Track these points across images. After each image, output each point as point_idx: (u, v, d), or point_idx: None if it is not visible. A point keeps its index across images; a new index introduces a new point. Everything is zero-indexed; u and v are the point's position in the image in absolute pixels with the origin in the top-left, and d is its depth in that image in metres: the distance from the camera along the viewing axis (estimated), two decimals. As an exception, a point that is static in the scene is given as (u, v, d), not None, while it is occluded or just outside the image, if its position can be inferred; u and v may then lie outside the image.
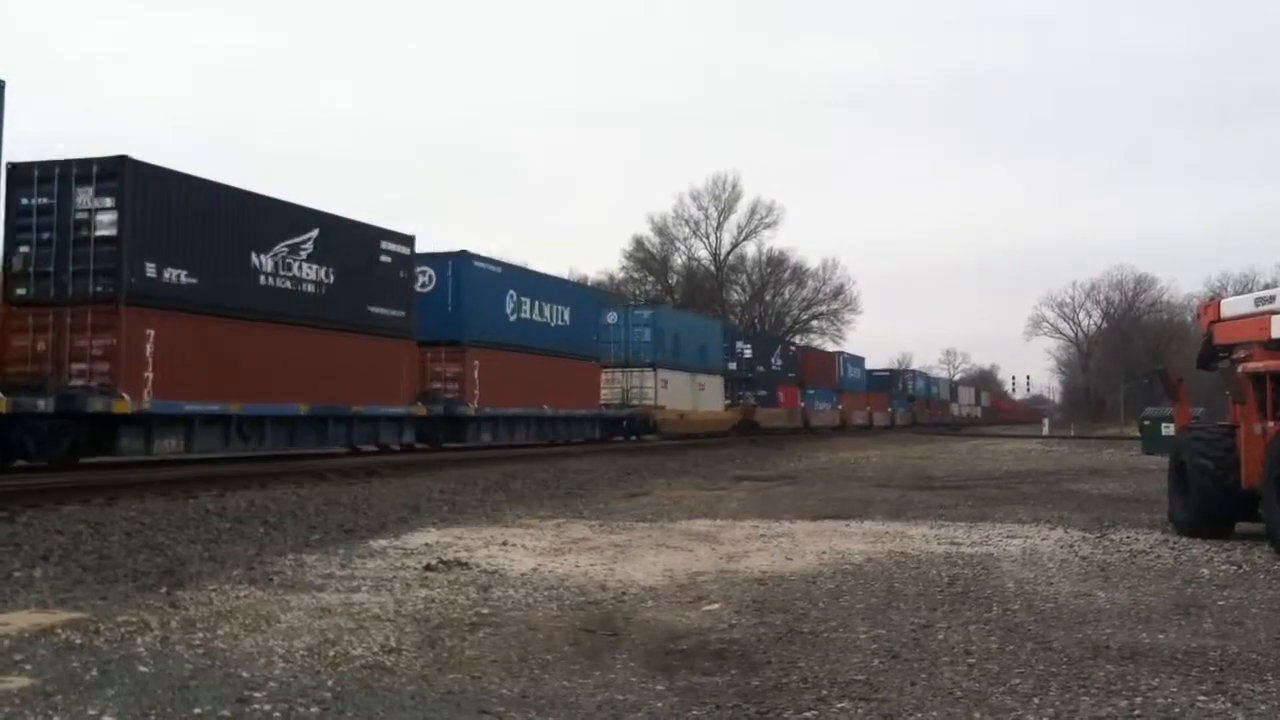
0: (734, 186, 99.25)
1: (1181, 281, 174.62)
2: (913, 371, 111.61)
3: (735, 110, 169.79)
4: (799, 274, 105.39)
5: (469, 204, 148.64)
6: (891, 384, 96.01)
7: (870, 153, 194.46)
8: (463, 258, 30.91)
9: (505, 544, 13.42)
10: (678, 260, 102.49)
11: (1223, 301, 16.16)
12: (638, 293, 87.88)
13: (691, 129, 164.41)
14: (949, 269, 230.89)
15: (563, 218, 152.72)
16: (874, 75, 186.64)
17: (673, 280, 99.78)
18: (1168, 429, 33.50)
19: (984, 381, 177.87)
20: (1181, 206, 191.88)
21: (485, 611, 9.03)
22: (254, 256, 22.40)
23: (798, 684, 6.71)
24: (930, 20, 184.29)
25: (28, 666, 6.69)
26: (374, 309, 26.05)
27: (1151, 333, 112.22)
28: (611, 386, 42.32)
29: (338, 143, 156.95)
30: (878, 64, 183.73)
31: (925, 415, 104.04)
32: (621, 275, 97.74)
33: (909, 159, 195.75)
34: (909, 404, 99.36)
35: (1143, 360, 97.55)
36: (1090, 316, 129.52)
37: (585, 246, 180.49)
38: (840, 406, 74.11)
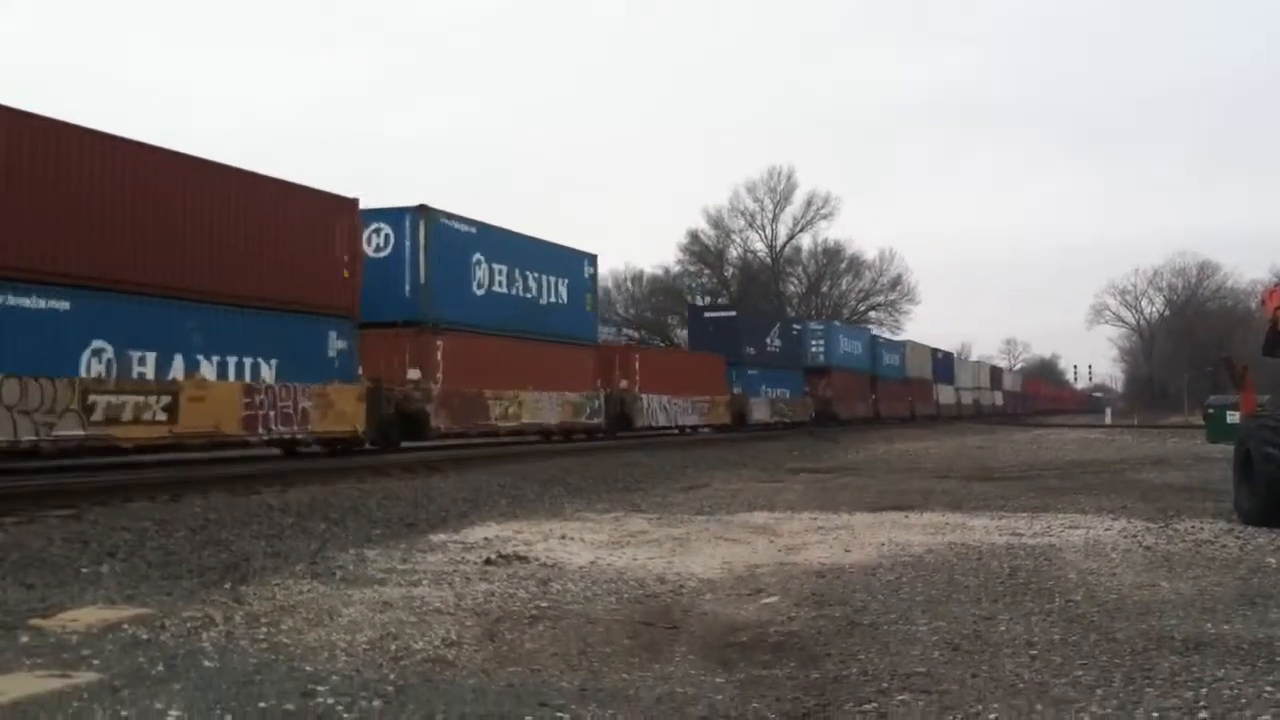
0: (789, 178, 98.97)
1: (1246, 268, 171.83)
2: (822, 325, 69.24)
3: (794, 103, 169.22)
4: (856, 265, 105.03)
5: (526, 200, 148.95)
6: (743, 338, 52.83)
7: (930, 147, 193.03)
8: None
9: (564, 538, 13.47)
10: (733, 253, 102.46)
11: (1288, 287, 15.91)
12: (693, 286, 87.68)
13: (749, 122, 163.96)
14: (1009, 259, 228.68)
15: (621, 212, 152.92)
16: (942, 76, 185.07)
17: (729, 273, 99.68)
18: (1233, 417, 32.98)
19: (1044, 370, 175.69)
20: (1247, 192, 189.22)
21: (544, 605, 9.07)
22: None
23: (857, 676, 6.68)
24: (994, 27, 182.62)
25: (95, 661, 6.79)
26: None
27: (1215, 320, 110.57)
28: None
29: (363, 144, 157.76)
30: (947, 66, 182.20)
31: (855, 403, 66.24)
32: (678, 269, 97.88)
33: (969, 153, 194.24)
34: (812, 381, 61.27)
35: (1207, 348, 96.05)
36: (1153, 304, 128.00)
37: (642, 240, 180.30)
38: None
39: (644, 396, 41.11)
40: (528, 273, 33.08)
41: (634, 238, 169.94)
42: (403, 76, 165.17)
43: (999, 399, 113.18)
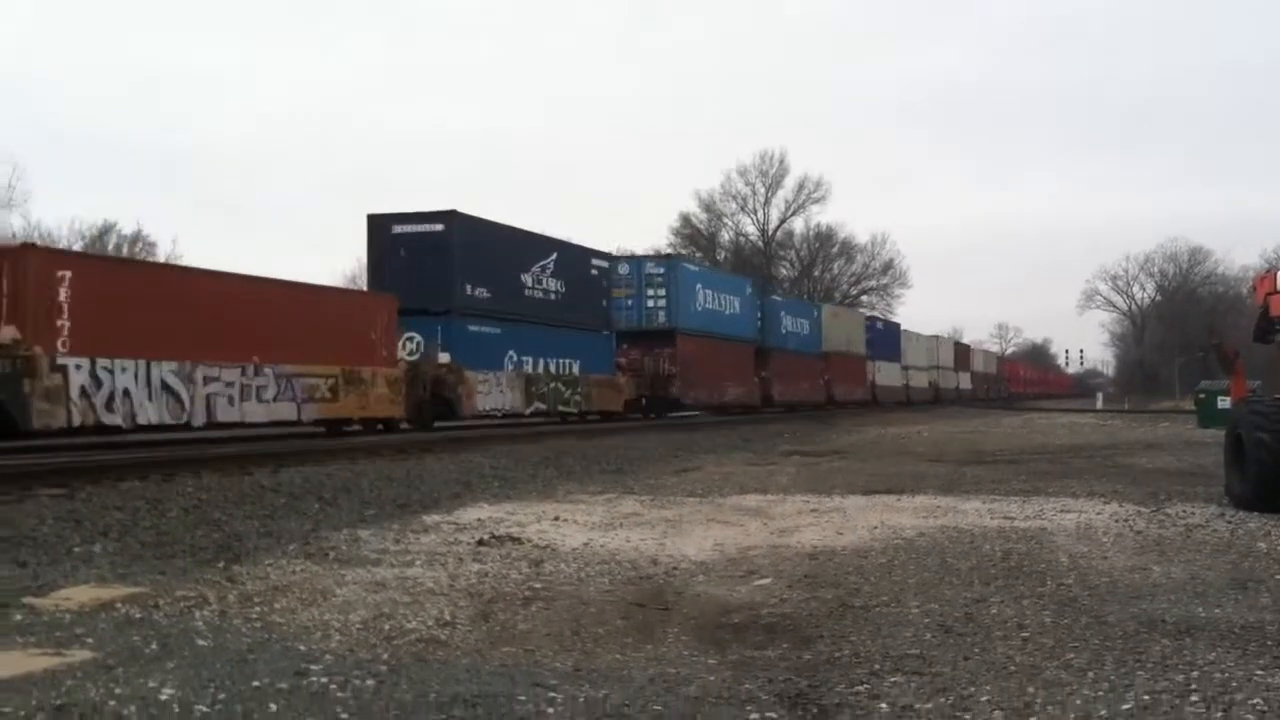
0: (781, 162, 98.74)
1: (1237, 253, 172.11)
2: (661, 266, 44.13)
3: (787, 88, 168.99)
4: (847, 249, 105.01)
5: (519, 182, 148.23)
6: (461, 269, 30.35)
7: (924, 133, 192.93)
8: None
9: (557, 519, 13.48)
10: (725, 236, 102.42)
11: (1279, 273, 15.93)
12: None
13: (742, 105, 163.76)
14: (1002, 245, 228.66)
15: (610, 196, 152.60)
16: (935, 68, 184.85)
17: (720, 256, 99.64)
18: (1224, 402, 33.06)
19: (1035, 355, 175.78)
20: (1237, 177, 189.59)
21: (538, 586, 9.08)
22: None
23: (850, 658, 6.70)
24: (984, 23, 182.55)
25: (89, 640, 6.80)
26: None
27: (1207, 305, 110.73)
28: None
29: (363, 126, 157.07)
30: (945, 52, 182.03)
31: (720, 384, 45.87)
32: (669, 252, 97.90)
33: (963, 140, 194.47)
34: (640, 351, 41.37)
35: (1198, 333, 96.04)
36: (1144, 289, 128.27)
37: (632, 224, 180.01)
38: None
39: (75, 363, 18.46)
40: None
41: (626, 220, 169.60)
42: (397, 69, 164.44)
43: (965, 382, 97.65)
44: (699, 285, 45.69)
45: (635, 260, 45.02)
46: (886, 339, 74.76)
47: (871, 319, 76.68)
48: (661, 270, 43.34)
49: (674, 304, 42.39)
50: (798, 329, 57.90)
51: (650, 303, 42.24)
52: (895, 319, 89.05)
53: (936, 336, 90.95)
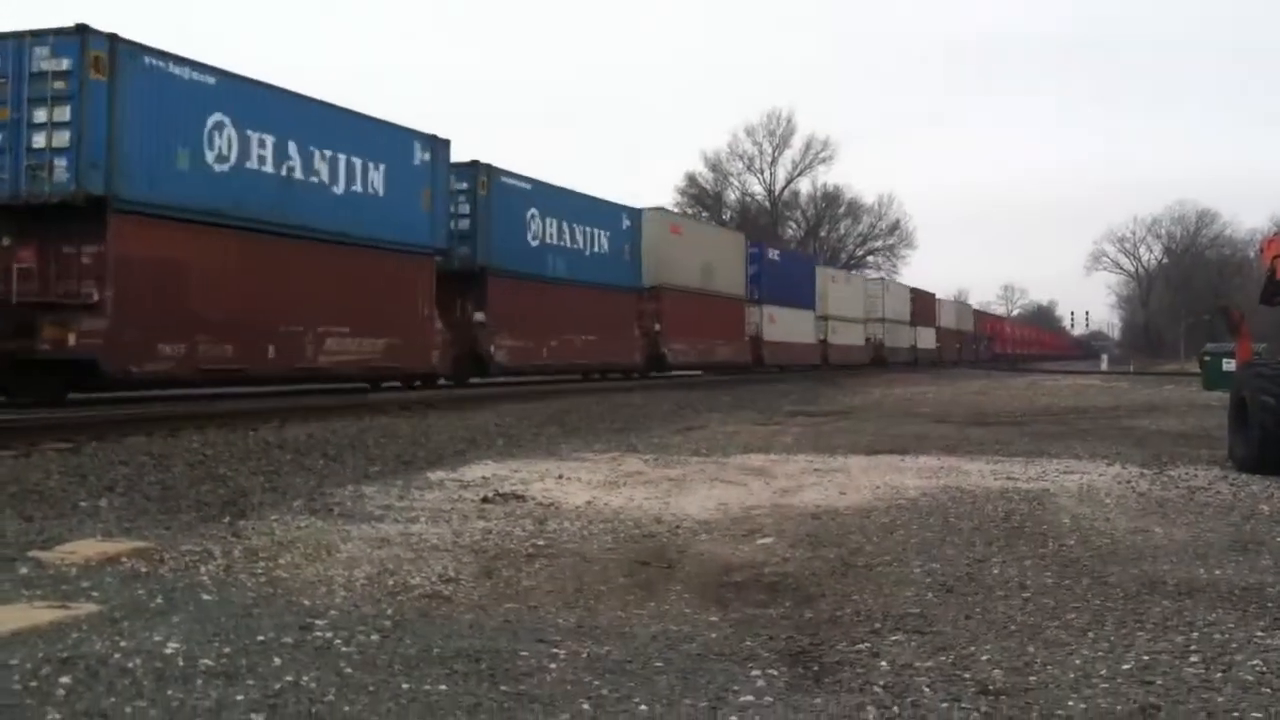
0: (788, 121, 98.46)
1: (1245, 216, 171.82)
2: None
3: (795, 47, 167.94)
4: (854, 209, 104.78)
5: (522, 140, 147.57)
6: None
7: (930, 94, 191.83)
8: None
9: (561, 477, 13.50)
10: (731, 196, 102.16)
11: (1287, 236, 15.88)
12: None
13: (750, 64, 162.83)
14: (1007, 204, 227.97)
15: (615, 153, 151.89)
16: (939, 21, 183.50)
17: (726, 216, 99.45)
18: (1228, 365, 33.01)
19: (1041, 316, 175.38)
20: (1245, 140, 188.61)
21: (541, 543, 9.11)
22: None
23: (851, 617, 6.72)
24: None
25: (95, 594, 6.83)
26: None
27: (1213, 268, 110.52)
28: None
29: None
30: (951, 9, 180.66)
31: (362, 336, 24.57)
32: (675, 211, 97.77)
33: (970, 101, 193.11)
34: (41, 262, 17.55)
35: (1204, 296, 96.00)
36: (1151, 251, 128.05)
37: (637, 182, 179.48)
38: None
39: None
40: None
41: (633, 180, 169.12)
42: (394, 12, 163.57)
43: (926, 339, 78.67)
44: (219, 115, 20.77)
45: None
46: (787, 277, 53.23)
47: (760, 245, 53.19)
48: (66, 61, 18.23)
49: (108, 138, 18.58)
50: (580, 244, 35.11)
51: (40, 139, 18.39)
52: (900, 279, 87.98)
53: (882, 279, 76.24)
